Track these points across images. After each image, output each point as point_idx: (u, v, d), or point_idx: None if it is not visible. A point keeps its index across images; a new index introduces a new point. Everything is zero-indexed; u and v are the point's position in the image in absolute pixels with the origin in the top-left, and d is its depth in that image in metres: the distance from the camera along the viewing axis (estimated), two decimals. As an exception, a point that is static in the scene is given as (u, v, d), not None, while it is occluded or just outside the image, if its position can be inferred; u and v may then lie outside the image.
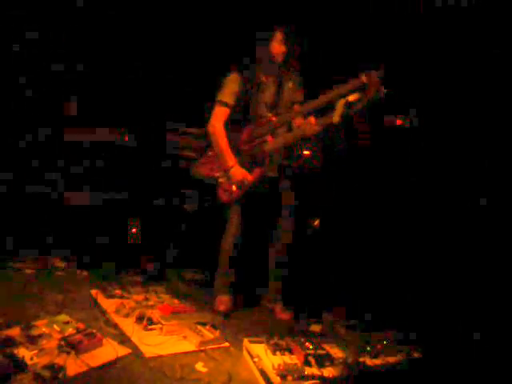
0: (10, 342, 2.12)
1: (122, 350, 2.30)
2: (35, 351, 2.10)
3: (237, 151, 3.05)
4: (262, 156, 3.00)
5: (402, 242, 3.50)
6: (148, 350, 2.35)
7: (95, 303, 2.89)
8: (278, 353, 2.37)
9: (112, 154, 4.06)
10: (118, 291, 3.07)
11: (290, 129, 3.06)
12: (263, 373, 2.25)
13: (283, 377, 2.16)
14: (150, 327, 2.60)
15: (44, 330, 2.31)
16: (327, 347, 2.49)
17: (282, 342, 2.48)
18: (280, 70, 3.06)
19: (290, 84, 3.10)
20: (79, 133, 3.94)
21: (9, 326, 2.29)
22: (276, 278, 3.24)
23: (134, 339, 2.45)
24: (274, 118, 3.00)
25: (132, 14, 3.91)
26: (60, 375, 1.96)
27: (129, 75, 4.02)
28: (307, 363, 2.30)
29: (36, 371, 1.94)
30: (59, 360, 2.06)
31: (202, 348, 2.48)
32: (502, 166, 3.08)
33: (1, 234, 3.46)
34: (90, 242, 3.75)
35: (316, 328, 2.98)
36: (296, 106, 3.05)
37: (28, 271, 3.28)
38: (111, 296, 3.00)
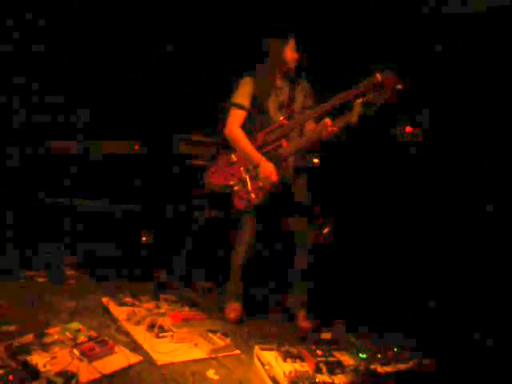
0: (24, 349, 2.15)
1: (134, 358, 2.31)
2: (48, 358, 2.12)
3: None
4: (278, 161, 2.99)
5: (410, 247, 3.49)
6: (159, 358, 2.36)
7: (106, 311, 2.91)
8: (289, 360, 2.37)
9: (123, 164, 4.09)
10: (128, 299, 3.09)
11: (302, 133, 3.07)
12: (274, 380, 2.25)
13: (294, 384, 2.16)
14: (161, 335, 2.61)
15: (57, 337, 2.33)
16: (338, 355, 2.49)
17: (293, 350, 2.48)
18: (292, 76, 3.08)
19: (301, 89, 3.12)
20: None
21: (22, 334, 2.31)
22: (301, 290, 3.19)
23: (146, 347, 2.46)
24: (286, 122, 3.01)
25: (143, 24, 3.97)
26: (73, 382, 1.98)
27: (137, 83, 4.07)
28: (318, 370, 2.30)
29: (49, 378, 1.96)
30: (72, 367, 2.08)
31: (213, 355, 2.48)
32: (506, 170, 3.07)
33: (15, 243, 3.50)
34: (102, 251, 3.77)
35: (327, 335, 2.97)
36: (308, 111, 3.06)
37: (40, 280, 3.32)
38: (122, 304, 3.02)
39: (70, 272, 3.52)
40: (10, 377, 1.90)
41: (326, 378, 2.25)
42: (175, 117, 4.12)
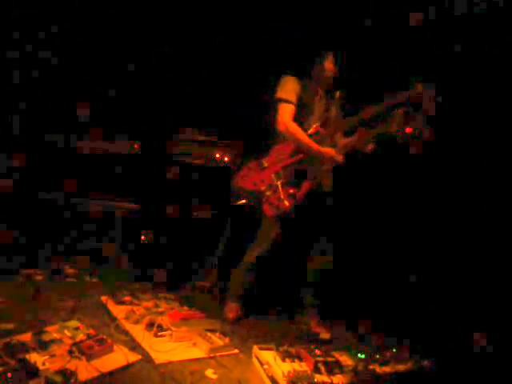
0: (22, 348, 2.14)
1: (133, 356, 2.31)
2: (47, 356, 2.12)
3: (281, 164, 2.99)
4: (312, 170, 2.95)
5: (410, 248, 3.49)
6: (158, 357, 2.36)
7: (105, 309, 2.91)
8: (287, 360, 2.38)
9: (122, 163, 4.08)
10: (127, 298, 3.09)
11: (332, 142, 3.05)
12: (273, 380, 2.25)
13: (293, 384, 2.16)
14: (160, 333, 2.61)
15: (55, 335, 2.33)
16: (337, 355, 2.49)
17: (292, 349, 2.48)
18: (330, 87, 3.07)
19: (337, 101, 3.09)
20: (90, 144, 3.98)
21: (21, 332, 2.31)
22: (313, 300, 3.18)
23: (145, 345, 2.46)
24: (322, 130, 2.97)
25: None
26: (71, 380, 1.98)
27: (137, 82, 4.07)
28: (317, 370, 2.30)
29: (48, 376, 1.96)
30: (70, 365, 2.08)
31: (212, 355, 2.49)
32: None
33: (14, 241, 3.49)
34: (101, 249, 3.77)
35: (325, 335, 2.97)
36: (343, 121, 3.05)
37: (39, 278, 3.31)
38: (121, 302, 3.02)
39: (69, 270, 3.51)
40: (9, 374, 1.89)
41: (324, 377, 2.26)
42: (175, 117, 4.12)
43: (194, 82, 4.12)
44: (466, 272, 3.14)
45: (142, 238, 3.96)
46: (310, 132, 2.96)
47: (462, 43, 3.14)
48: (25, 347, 2.16)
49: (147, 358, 2.34)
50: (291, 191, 2.89)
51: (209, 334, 2.68)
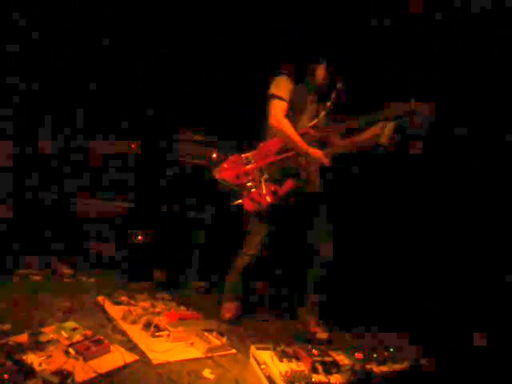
0: (19, 349, 2.14)
1: (130, 357, 2.31)
2: (43, 357, 2.12)
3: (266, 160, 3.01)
4: (296, 168, 2.98)
5: (410, 249, 3.50)
6: (155, 357, 2.36)
7: (102, 310, 2.90)
8: (285, 360, 2.37)
9: (121, 163, 4.07)
10: (124, 298, 3.08)
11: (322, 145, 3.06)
12: (270, 379, 2.25)
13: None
14: (157, 334, 2.61)
15: (52, 336, 2.33)
16: (334, 354, 2.49)
17: (289, 349, 2.48)
18: (322, 92, 3.07)
19: (328, 106, 3.05)
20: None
21: (17, 333, 2.30)
22: (314, 291, 3.17)
23: (142, 346, 2.46)
24: (311, 132, 3.00)
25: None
26: (68, 381, 1.97)
27: (135, 83, 4.06)
28: (314, 370, 2.30)
29: (44, 377, 1.95)
30: (67, 366, 2.07)
31: (209, 355, 2.48)
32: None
33: (9, 241, 3.48)
34: (99, 250, 3.76)
35: (323, 335, 2.97)
36: (335, 125, 3.06)
37: (36, 278, 3.31)
38: (118, 303, 3.01)
39: (66, 270, 3.50)
40: (5, 375, 1.89)
41: (322, 377, 2.26)
42: (175, 117, 4.11)
43: (194, 81, 4.11)
44: (466, 272, 3.15)
45: (140, 237, 3.95)
46: (300, 132, 2.98)
47: (461, 43, 3.14)
48: (21, 348, 2.15)
49: (144, 359, 2.34)
50: (273, 188, 2.92)
51: (206, 333, 2.68)
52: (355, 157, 3.12)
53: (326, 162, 2.92)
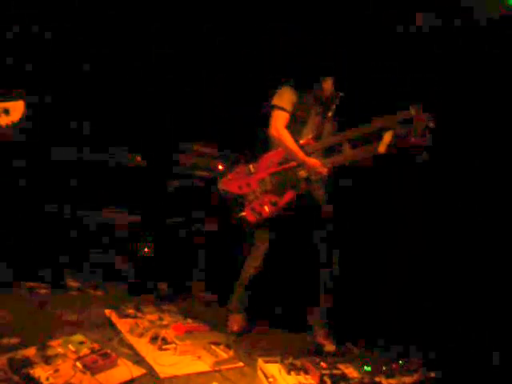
0: (26, 363, 2.13)
1: (137, 371, 2.30)
2: (51, 371, 2.11)
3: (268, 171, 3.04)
4: (296, 180, 2.98)
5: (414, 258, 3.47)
6: (163, 371, 2.35)
7: (109, 323, 2.90)
8: (292, 373, 2.36)
9: (124, 175, 4.08)
10: (131, 310, 3.07)
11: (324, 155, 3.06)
12: (278, 393, 2.24)
13: (299, 397, 2.14)
14: (164, 347, 2.60)
15: (59, 350, 2.33)
16: (342, 367, 2.47)
17: (297, 362, 2.46)
18: (326, 104, 3.08)
19: (331, 118, 3.09)
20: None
21: (24, 346, 2.30)
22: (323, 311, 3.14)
23: (149, 359, 2.44)
24: (312, 142, 3.01)
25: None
26: (76, 395, 1.97)
27: (140, 94, 4.08)
28: (323, 383, 2.28)
29: (52, 392, 1.95)
30: (74, 380, 2.07)
31: (217, 368, 2.47)
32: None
33: (16, 254, 3.49)
34: (104, 262, 3.77)
35: (331, 348, 2.95)
36: (333, 136, 3.07)
37: (43, 291, 3.31)
38: (125, 316, 3.00)
39: (73, 283, 3.50)
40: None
41: (330, 390, 2.24)
42: (178, 128, 4.12)
43: (193, 81, 4.11)
44: (466, 274, 3.12)
45: (146, 250, 3.95)
46: (301, 143, 3.00)
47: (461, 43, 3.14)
48: (29, 362, 2.15)
49: (152, 372, 2.33)
50: (274, 199, 2.95)
51: (213, 347, 2.67)
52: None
53: (324, 172, 2.92)
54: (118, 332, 2.77)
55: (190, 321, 3.09)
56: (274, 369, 2.39)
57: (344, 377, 2.36)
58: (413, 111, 2.57)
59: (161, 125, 4.17)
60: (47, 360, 2.20)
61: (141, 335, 2.72)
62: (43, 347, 2.30)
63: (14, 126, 1.88)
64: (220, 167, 3.93)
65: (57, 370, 2.13)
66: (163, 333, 2.71)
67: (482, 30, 3.03)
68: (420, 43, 3.28)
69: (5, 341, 2.37)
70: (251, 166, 3.11)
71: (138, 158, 4.11)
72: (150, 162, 4.13)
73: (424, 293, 3.31)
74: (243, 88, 3.93)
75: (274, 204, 2.95)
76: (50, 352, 2.27)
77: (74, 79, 3.96)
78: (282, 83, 3.11)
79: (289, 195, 2.96)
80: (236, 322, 3.12)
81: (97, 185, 4.03)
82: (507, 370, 2.56)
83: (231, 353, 2.64)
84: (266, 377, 2.38)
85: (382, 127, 2.70)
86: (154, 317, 3.04)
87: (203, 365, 2.50)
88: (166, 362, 2.43)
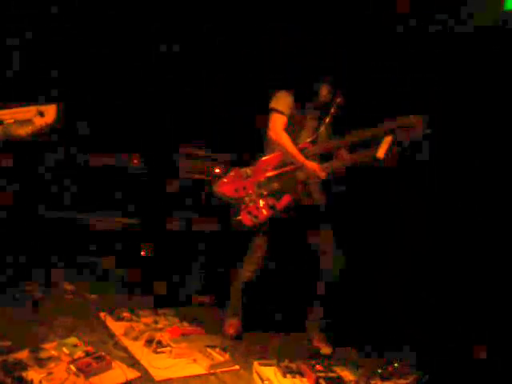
0: (19, 365, 2.11)
1: (132, 374, 2.28)
2: (44, 374, 2.09)
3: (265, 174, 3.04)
4: (294, 183, 2.99)
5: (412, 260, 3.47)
6: (158, 374, 2.33)
7: (104, 326, 2.88)
8: (288, 376, 2.35)
9: (122, 179, 4.07)
10: (126, 314, 3.05)
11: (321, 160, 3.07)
12: (274, 396, 2.22)
13: (294, 400, 2.13)
14: (159, 350, 2.58)
15: (53, 353, 2.30)
16: (338, 370, 2.46)
17: (293, 365, 2.45)
18: (323, 109, 3.09)
19: (328, 122, 3.08)
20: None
21: (18, 349, 2.27)
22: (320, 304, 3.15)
23: (144, 362, 2.43)
24: (310, 146, 3.02)
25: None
26: (69, 399, 1.95)
27: (138, 98, 4.07)
28: (319, 386, 2.27)
29: (45, 394, 1.93)
30: (68, 383, 2.05)
31: (212, 371, 2.46)
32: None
33: (11, 257, 3.47)
34: (100, 265, 3.75)
35: (327, 350, 2.94)
36: (331, 141, 3.08)
37: (37, 294, 3.28)
38: (120, 319, 2.98)
39: (67, 286, 3.48)
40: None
41: (326, 393, 2.23)
42: (177, 131, 4.12)
43: (193, 81, 4.11)
44: (465, 274, 3.12)
45: (142, 252, 3.94)
46: (299, 147, 3.00)
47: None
48: (22, 365, 2.12)
49: (146, 375, 2.31)
50: (271, 202, 2.94)
51: (209, 349, 2.65)
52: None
53: (322, 175, 2.92)
54: (112, 335, 2.75)
55: (185, 324, 3.08)
56: (269, 372, 2.38)
57: (339, 380, 2.35)
58: (413, 117, 2.58)
59: (160, 125, 4.16)
60: (41, 363, 2.18)
61: (136, 338, 2.71)
62: (36, 350, 2.28)
63: (50, 127, 1.92)
64: (217, 170, 3.92)
65: (50, 373, 2.11)
66: (158, 336, 2.69)
67: (482, 30, 3.04)
68: (420, 43, 3.30)
69: (-3, 343, 2.36)
70: (248, 170, 3.10)
71: (135, 161, 4.08)
72: (149, 163, 4.11)
73: (424, 292, 3.31)
74: (243, 88, 3.94)
75: (272, 207, 2.94)
76: (43, 355, 2.25)
77: (73, 79, 3.95)
78: (279, 87, 3.10)
79: (286, 198, 2.96)
80: (232, 325, 3.10)
81: (95, 186, 4.02)
82: (507, 370, 2.56)
83: (227, 356, 2.63)
84: (262, 380, 2.36)
85: (380, 133, 2.71)
86: (149, 320, 3.02)
87: (199, 368, 2.48)
88: (161, 365, 2.41)
